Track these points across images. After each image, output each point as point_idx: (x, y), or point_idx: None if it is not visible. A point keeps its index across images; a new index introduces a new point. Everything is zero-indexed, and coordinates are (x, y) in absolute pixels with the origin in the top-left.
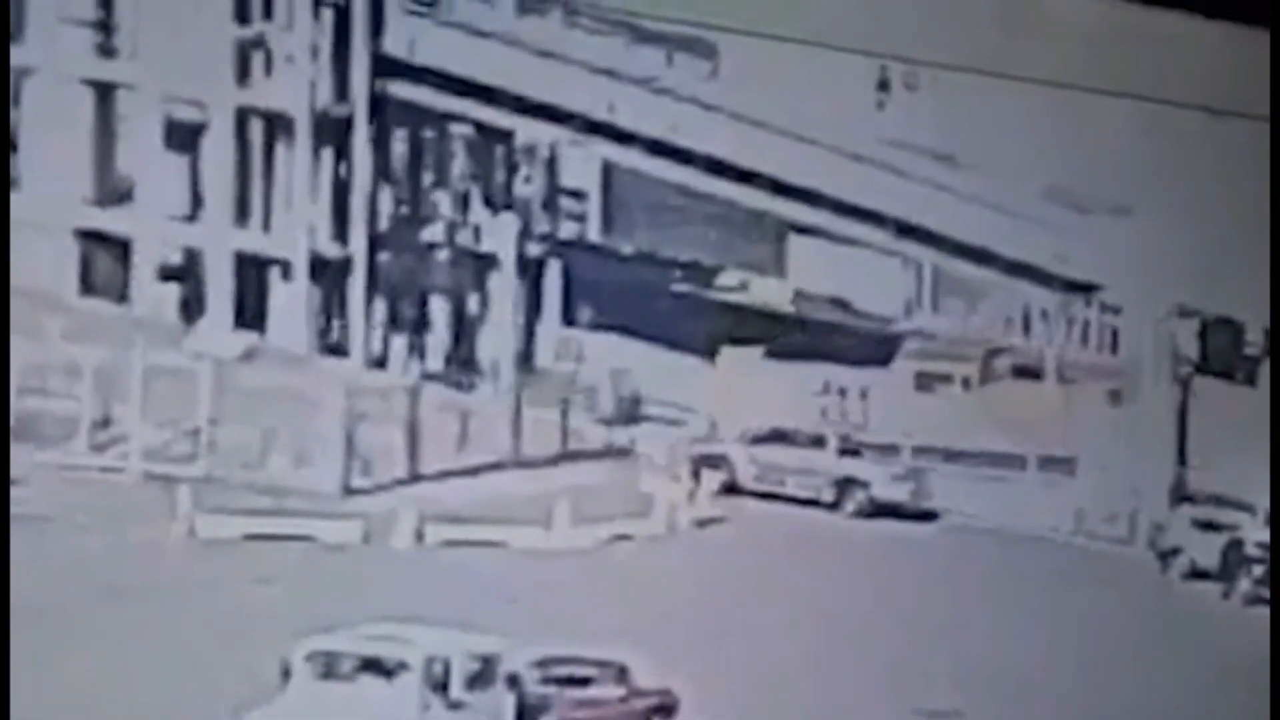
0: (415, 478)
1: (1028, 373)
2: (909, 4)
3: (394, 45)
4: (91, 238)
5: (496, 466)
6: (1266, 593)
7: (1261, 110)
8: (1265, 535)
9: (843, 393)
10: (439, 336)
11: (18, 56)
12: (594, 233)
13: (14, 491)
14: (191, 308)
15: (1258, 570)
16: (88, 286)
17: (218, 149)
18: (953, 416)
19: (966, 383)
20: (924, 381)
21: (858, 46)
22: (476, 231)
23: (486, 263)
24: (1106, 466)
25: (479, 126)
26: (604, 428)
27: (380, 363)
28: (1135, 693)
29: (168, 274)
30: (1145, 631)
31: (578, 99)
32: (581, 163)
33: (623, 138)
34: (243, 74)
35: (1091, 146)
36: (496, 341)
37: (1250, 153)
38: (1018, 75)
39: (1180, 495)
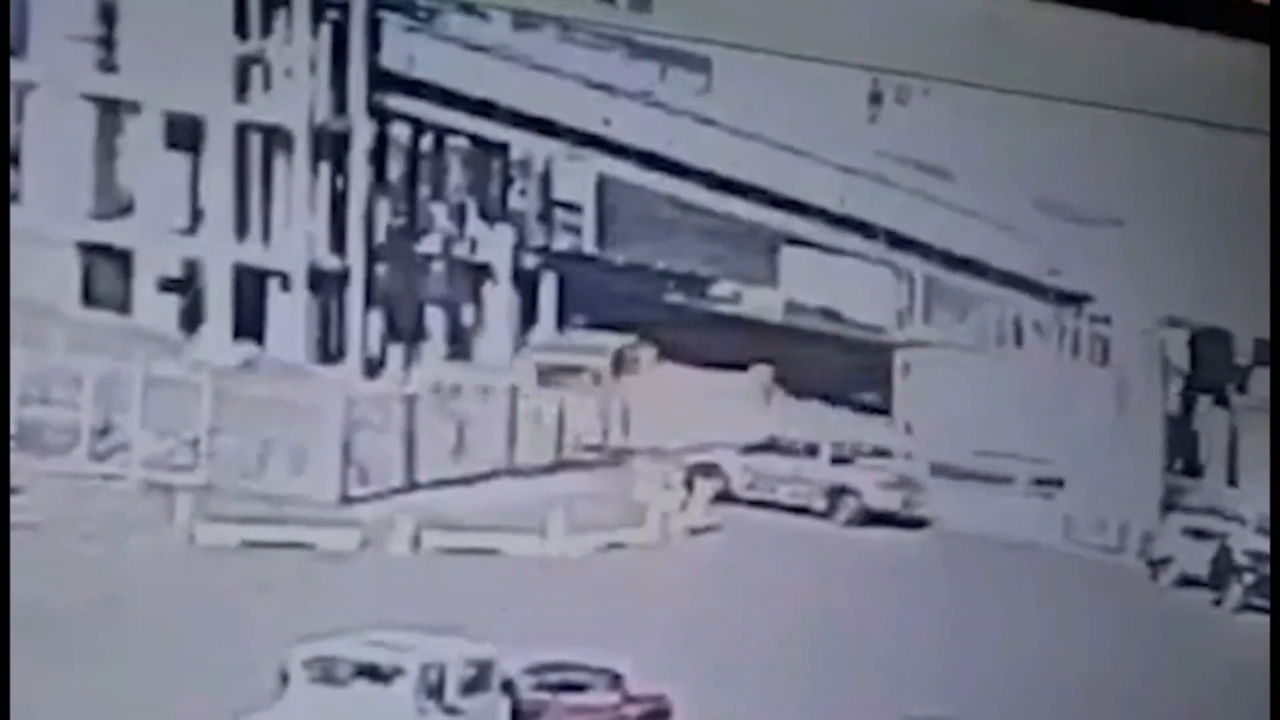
0: (412, 486)
1: (677, 364)
2: (901, 18)
3: (391, 60)
4: (93, 250)
5: (492, 475)
6: (1257, 600)
7: (1254, 124)
8: (1255, 544)
9: (456, 390)
10: (435, 346)
11: (21, 72)
12: (589, 244)
13: (15, 500)
14: (191, 318)
15: (1248, 578)
16: (89, 298)
17: (217, 162)
18: (580, 414)
19: (597, 378)
20: (547, 376)
21: (849, 60)
22: (472, 243)
23: (482, 274)
24: (1095, 474)
25: (475, 140)
26: (598, 436)
27: (377, 372)
28: (1126, 699)
29: (168, 285)
30: (1136, 638)
31: (572, 113)
32: (576, 176)
33: (617, 151)
34: (242, 89)
35: (1083, 159)
36: (492, 351)
37: (1240, 166)
38: (1009, 88)
39: (1170, 503)
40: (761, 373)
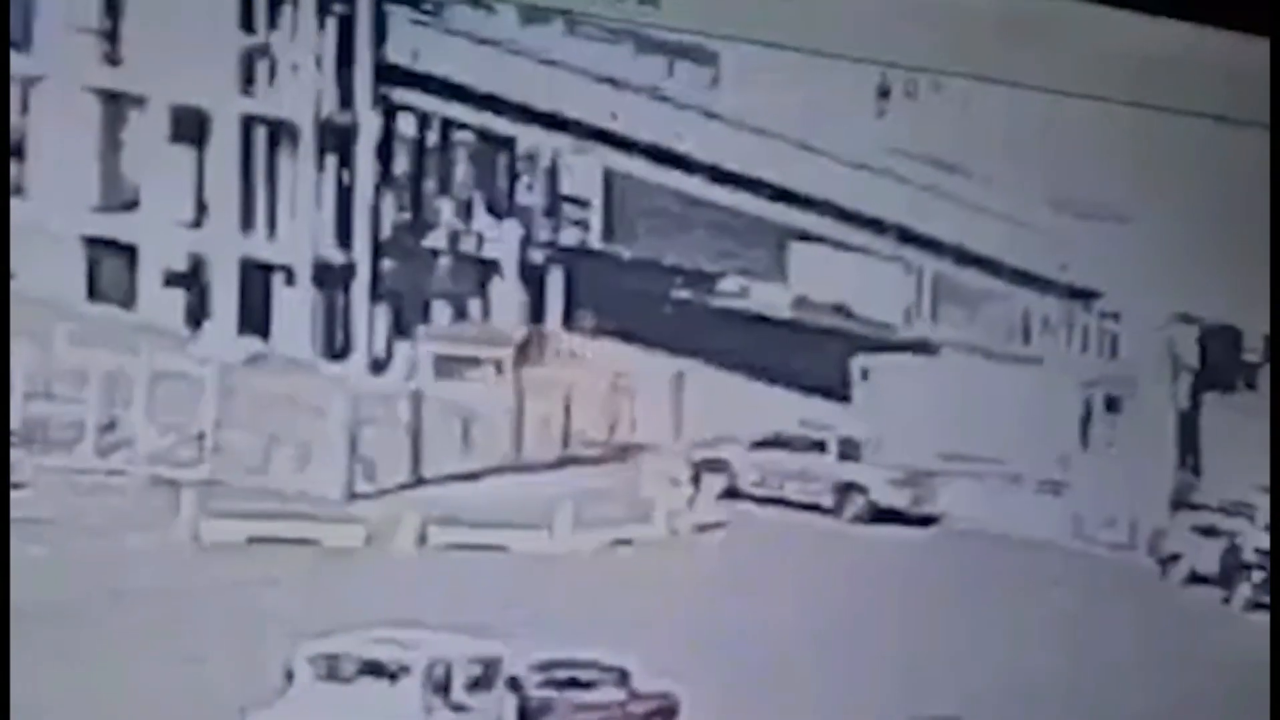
0: (418, 482)
1: (582, 352)
2: (909, 12)
3: (397, 53)
4: (98, 244)
5: (498, 471)
6: (1266, 598)
7: (1259, 118)
8: (1264, 541)
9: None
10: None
11: (26, 65)
12: (595, 239)
13: (18, 495)
14: (197, 313)
15: (1257, 576)
16: (94, 292)
17: (223, 156)
18: (479, 402)
19: (499, 367)
20: (445, 367)
21: (858, 54)
22: (479, 238)
23: (489, 269)
24: (1105, 471)
25: (481, 134)
26: (605, 432)
27: (383, 368)
28: (1135, 697)
29: (173, 280)
30: (1145, 636)
31: (579, 107)
32: (583, 170)
33: (624, 145)
34: (247, 82)
35: (1092, 154)
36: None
37: (1248, 160)
38: (1018, 83)
39: (1180, 501)
40: (674, 363)
